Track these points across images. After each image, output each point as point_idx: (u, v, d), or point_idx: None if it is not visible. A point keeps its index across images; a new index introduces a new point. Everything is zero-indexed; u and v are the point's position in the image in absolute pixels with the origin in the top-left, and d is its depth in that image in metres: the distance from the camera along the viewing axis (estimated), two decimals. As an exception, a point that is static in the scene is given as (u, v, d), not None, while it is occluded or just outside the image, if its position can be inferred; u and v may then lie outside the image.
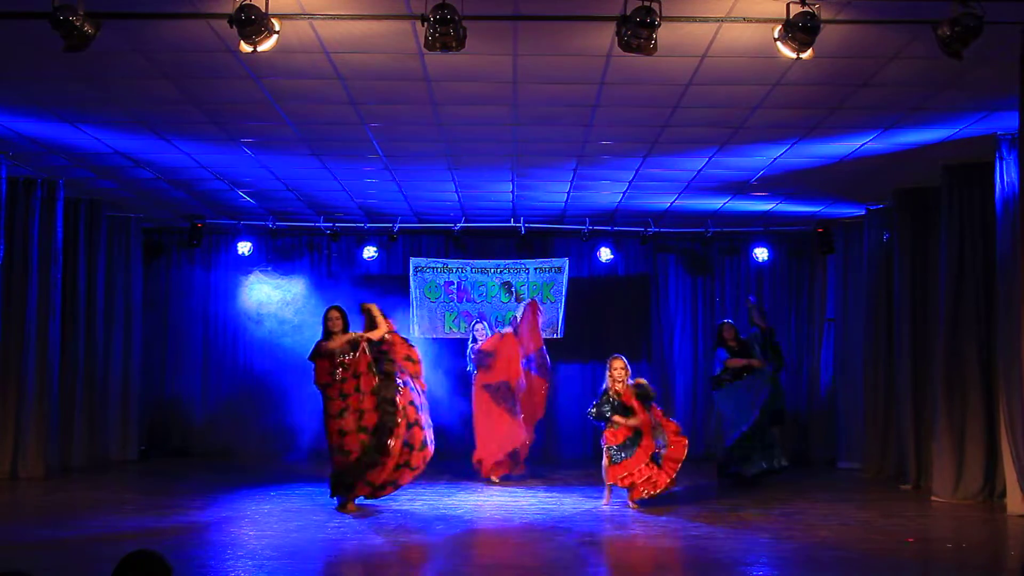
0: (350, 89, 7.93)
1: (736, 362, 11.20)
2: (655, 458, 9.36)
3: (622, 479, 9.34)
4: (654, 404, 9.63)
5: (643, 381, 9.65)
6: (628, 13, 5.91)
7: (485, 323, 11.79)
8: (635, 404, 9.42)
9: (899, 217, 11.29)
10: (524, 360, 11.35)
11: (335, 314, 9.13)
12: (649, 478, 9.29)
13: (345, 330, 9.12)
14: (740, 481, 10.91)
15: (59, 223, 11.48)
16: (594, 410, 9.56)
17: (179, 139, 9.58)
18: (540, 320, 11.81)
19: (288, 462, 12.66)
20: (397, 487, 9.26)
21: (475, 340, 11.46)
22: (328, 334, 9.06)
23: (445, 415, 11.45)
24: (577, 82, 7.73)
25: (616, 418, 9.37)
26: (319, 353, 8.99)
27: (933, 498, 9.90)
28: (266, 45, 6.08)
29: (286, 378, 13.09)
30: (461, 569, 6.95)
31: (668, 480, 9.36)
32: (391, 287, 13.84)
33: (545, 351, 11.69)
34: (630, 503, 9.33)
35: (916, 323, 10.99)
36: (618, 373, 9.54)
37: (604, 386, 9.62)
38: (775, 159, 10.06)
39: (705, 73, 7.42)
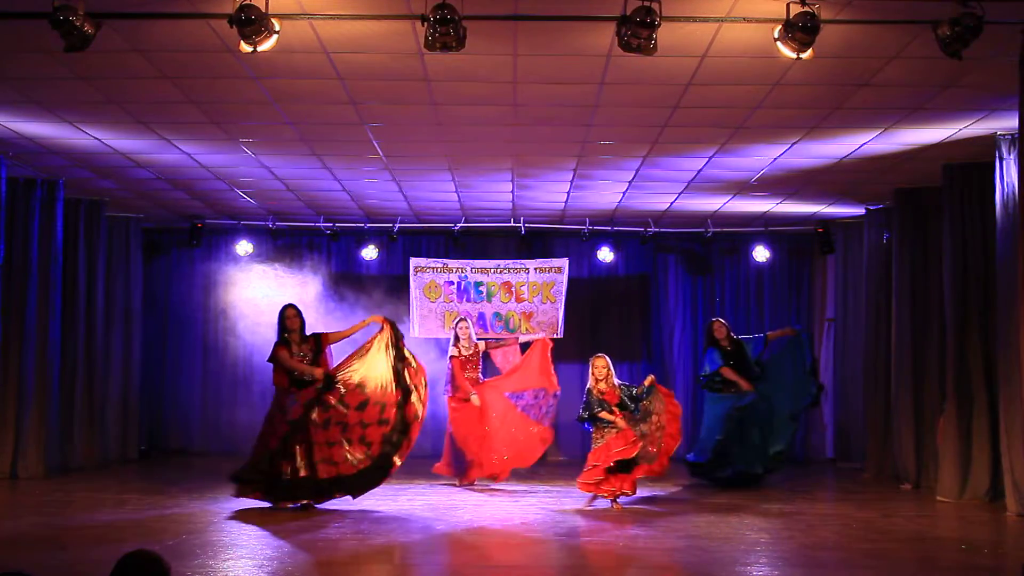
0: (350, 89, 7.93)
1: (730, 374, 11.10)
2: (623, 466, 9.30)
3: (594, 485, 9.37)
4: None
5: (624, 385, 9.52)
6: (628, 13, 5.92)
7: (468, 320, 11.33)
8: (615, 409, 9.38)
9: (899, 217, 11.29)
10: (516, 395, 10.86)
11: (292, 312, 9.35)
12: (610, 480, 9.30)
13: (302, 330, 9.30)
14: (716, 482, 10.91)
15: (59, 223, 11.49)
16: (585, 413, 9.44)
17: (179, 139, 9.58)
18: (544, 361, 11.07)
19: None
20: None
21: (457, 339, 10.96)
22: (284, 332, 9.25)
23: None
24: (577, 82, 7.73)
25: (603, 414, 9.33)
26: (278, 362, 9.20)
27: (939, 498, 9.88)
28: (266, 45, 6.09)
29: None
30: (459, 570, 6.95)
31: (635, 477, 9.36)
32: (391, 287, 13.86)
33: (548, 397, 10.90)
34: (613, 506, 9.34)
35: (916, 323, 11.00)
36: (599, 372, 9.49)
37: (587, 386, 9.54)
38: (775, 159, 10.07)
39: (705, 73, 7.43)
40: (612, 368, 9.58)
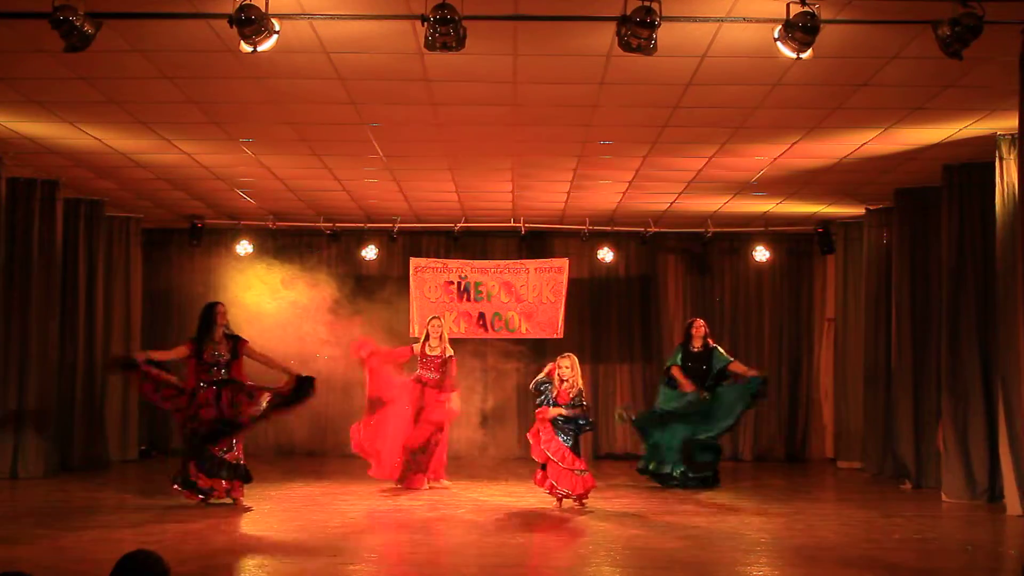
0: (350, 89, 7.93)
1: (677, 373, 11.12)
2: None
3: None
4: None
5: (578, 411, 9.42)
6: (628, 13, 5.92)
7: (441, 320, 11.05)
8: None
9: (899, 217, 11.30)
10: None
11: (222, 309, 9.49)
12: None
13: (225, 329, 9.40)
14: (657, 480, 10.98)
15: (59, 223, 11.48)
16: (532, 386, 9.53)
17: (179, 139, 9.58)
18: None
19: (286, 461, 12.67)
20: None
21: (427, 337, 10.68)
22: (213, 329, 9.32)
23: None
24: (577, 82, 7.73)
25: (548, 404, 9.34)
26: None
27: (944, 498, 9.87)
28: (266, 45, 6.09)
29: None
30: (461, 569, 6.95)
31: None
32: (391, 287, 13.86)
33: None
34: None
35: (916, 323, 11.00)
36: (564, 372, 9.39)
37: (546, 373, 9.51)
38: (775, 159, 10.07)
39: (705, 73, 7.42)
40: (578, 371, 9.47)
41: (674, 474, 10.87)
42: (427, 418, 10.50)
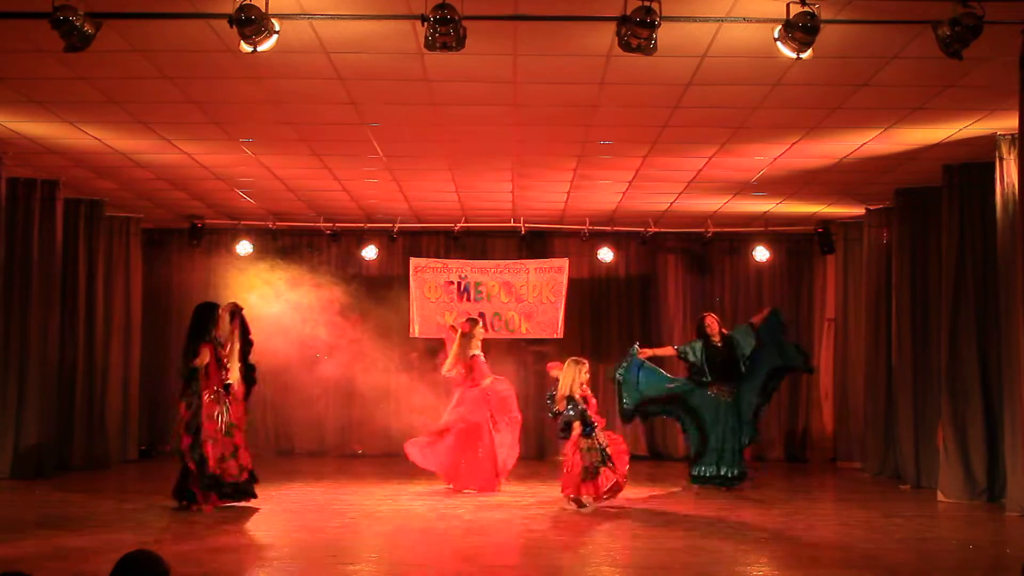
0: (350, 89, 7.93)
1: (645, 354, 11.07)
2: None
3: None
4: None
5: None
6: (628, 13, 5.92)
7: (479, 321, 11.11)
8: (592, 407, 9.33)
9: (899, 217, 11.30)
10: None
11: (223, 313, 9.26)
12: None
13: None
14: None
15: (59, 223, 11.49)
16: (574, 412, 9.23)
17: (179, 139, 9.58)
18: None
19: (287, 462, 12.67)
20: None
21: (471, 337, 10.66)
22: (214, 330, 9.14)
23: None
24: (577, 82, 7.73)
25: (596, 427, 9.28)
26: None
27: (940, 498, 9.88)
28: (266, 45, 6.09)
29: (284, 378, 13.07)
30: (462, 569, 6.95)
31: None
32: (391, 287, 13.86)
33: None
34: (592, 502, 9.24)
35: (916, 323, 11.00)
36: (584, 376, 9.35)
37: (571, 393, 9.32)
38: (775, 159, 10.07)
39: (705, 73, 7.43)
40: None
41: (730, 475, 10.67)
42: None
